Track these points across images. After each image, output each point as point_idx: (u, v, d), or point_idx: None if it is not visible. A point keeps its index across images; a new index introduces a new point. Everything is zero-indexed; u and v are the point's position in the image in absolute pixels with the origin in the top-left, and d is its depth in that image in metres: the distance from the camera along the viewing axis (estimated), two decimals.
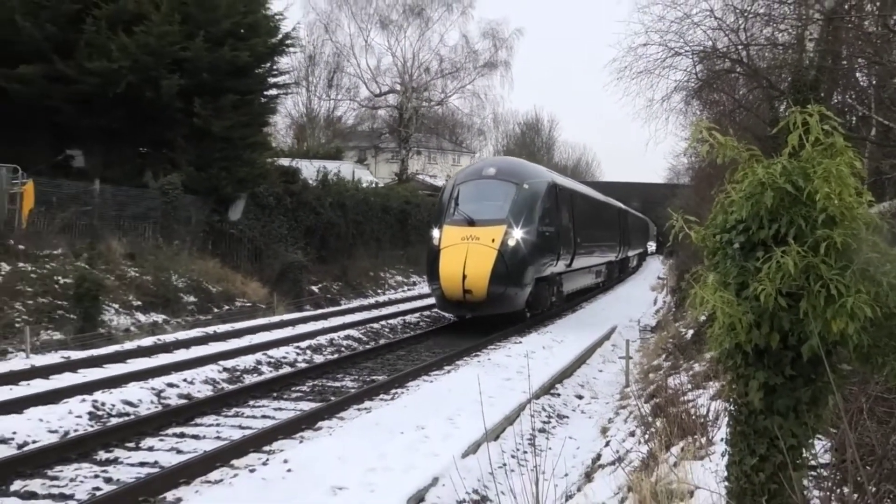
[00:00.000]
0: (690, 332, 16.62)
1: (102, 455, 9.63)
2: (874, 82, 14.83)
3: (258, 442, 10.17)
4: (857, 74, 15.87)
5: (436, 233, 22.20)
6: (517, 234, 21.21)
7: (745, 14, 16.42)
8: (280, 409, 12.40)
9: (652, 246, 73.31)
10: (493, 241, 20.94)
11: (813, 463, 4.98)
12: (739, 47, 16.45)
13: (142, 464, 9.33)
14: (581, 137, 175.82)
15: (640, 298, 34.76)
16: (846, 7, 15.00)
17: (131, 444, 10.12)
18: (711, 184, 12.95)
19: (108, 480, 8.69)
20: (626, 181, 75.18)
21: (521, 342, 19.57)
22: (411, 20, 51.75)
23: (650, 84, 18.52)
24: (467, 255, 20.71)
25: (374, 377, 15.21)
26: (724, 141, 4.38)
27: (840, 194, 4.02)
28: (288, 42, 34.46)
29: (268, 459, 9.23)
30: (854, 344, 3.99)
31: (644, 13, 17.75)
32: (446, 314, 24.39)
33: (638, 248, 56.87)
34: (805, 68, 14.84)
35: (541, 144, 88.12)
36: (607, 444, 10.70)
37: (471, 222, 21.52)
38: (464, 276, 20.38)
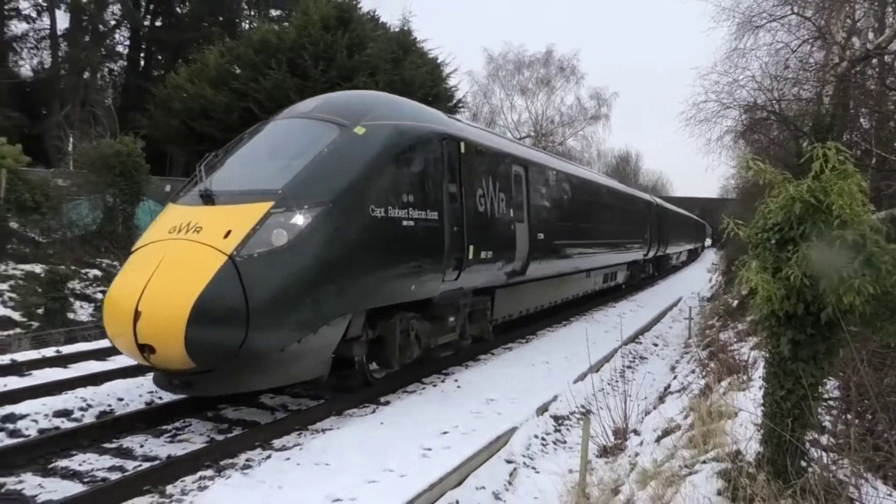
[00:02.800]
0: (736, 301, 15.86)
1: None
2: (874, 125, 13.91)
3: (439, 367, 10.29)
4: (861, 120, 14.89)
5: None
6: (299, 218, 6.30)
7: (778, 78, 15.87)
8: None
9: (709, 241, 70.10)
10: (226, 234, 6.07)
11: (826, 396, 4.78)
12: (774, 102, 15.72)
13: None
14: (658, 164, 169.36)
15: (699, 278, 33.17)
16: (853, 72, 14.24)
17: None
18: (753, 198, 12.39)
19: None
20: (691, 196, 72.31)
21: (615, 307, 19.14)
22: (542, 88, 51.38)
23: (708, 129, 17.79)
24: (158, 267, 5.90)
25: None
26: (765, 168, 4.25)
27: (850, 205, 3.83)
28: (459, 105, 35.18)
29: (445, 379, 9.38)
30: (859, 312, 3.79)
31: (704, 79, 17.28)
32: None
33: (687, 245, 45.18)
34: (822, 116, 14.12)
35: (629, 172, 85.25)
36: (675, 378, 10.41)
37: (208, 198, 6.59)
38: (137, 313, 5.63)
